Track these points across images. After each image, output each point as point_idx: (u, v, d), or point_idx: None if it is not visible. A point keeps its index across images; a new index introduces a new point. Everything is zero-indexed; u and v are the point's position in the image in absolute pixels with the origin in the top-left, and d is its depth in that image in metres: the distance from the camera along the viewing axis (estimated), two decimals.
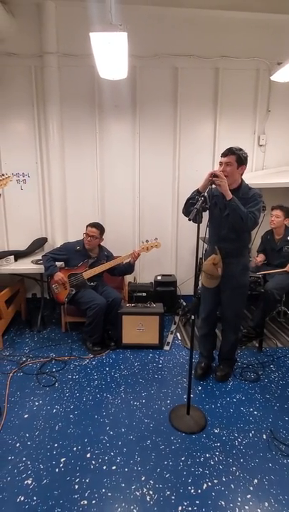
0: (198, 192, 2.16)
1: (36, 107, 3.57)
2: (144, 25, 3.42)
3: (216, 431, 2.05)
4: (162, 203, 3.92)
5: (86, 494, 1.64)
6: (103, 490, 1.66)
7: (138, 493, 1.64)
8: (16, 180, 3.74)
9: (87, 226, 3.11)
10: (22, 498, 1.61)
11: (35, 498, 1.61)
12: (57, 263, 3.09)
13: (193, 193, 2.24)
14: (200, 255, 2.31)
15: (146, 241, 3.10)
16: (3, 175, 1.99)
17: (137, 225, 3.92)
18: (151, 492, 1.65)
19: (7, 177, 1.99)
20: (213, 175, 2.07)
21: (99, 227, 3.08)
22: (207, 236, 2.35)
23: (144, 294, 3.68)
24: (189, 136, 3.78)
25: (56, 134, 3.58)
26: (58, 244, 3.56)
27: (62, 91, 3.52)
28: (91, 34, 2.13)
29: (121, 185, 3.84)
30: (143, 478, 1.72)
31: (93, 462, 1.82)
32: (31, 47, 3.44)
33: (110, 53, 2.32)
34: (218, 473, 1.76)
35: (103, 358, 2.88)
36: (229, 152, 2.19)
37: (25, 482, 1.70)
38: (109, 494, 1.64)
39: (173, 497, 1.62)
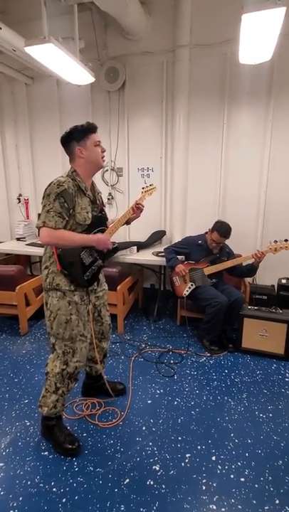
0: None
1: (165, 103, 3.64)
2: None
3: None
4: None
5: (214, 499, 1.57)
6: (232, 500, 1.57)
7: None
8: (141, 174, 3.93)
9: (214, 230, 2.92)
10: (151, 483, 1.66)
11: (163, 486, 1.64)
12: (178, 256, 3.11)
13: None
14: None
15: (275, 241, 2.83)
16: (151, 185, 2.08)
17: (261, 223, 3.62)
18: None
19: (153, 187, 2.08)
20: None
21: (229, 235, 2.91)
22: None
23: (265, 297, 3.38)
24: None
25: (182, 127, 3.58)
26: (176, 238, 3.59)
27: (191, 83, 3.48)
28: (243, 16, 1.99)
29: (246, 179, 3.59)
30: (277, 502, 1.56)
31: (219, 467, 1.75)
32: (164, 43, 3.49)
33: (261, 34, 2.13)
34: None
35: (221, 359, 2.77)
36: None
37: (153, 467, 1.74)
38: (240, 507, 1.54)
39: None
